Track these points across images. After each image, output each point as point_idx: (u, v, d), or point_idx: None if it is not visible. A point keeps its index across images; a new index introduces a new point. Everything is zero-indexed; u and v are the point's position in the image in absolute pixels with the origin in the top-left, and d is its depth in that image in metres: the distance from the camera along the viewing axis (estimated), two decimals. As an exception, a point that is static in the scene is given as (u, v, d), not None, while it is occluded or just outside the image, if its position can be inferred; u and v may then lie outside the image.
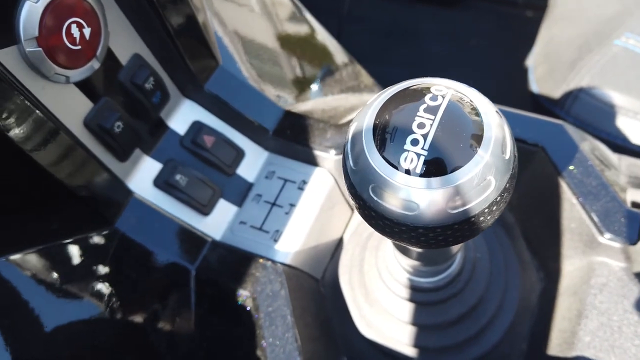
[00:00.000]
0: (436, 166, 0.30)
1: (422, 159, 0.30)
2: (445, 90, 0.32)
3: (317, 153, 0.62)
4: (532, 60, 1.12)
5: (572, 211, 0.54)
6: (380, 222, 0.34)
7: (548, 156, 0.55)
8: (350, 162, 0.34)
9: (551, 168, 0.55)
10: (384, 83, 0.92)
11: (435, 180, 0.30)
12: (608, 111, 0.92)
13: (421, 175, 0.30)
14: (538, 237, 0.60)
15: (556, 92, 0.98)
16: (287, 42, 0.76)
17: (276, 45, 0.74)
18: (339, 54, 0.83)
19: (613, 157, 0.64)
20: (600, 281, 0.52)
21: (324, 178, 0.62)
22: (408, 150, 0.31)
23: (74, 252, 0.53)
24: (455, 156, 0.30)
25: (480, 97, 0.33)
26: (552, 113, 0.97)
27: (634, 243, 0.51)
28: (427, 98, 0.32)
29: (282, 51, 0.74)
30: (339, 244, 0.64)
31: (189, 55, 0.58)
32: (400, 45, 1.74)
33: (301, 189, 0.62)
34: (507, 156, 0.32)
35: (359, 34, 1.76)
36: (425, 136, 0.30)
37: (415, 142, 0.31)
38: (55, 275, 0.53)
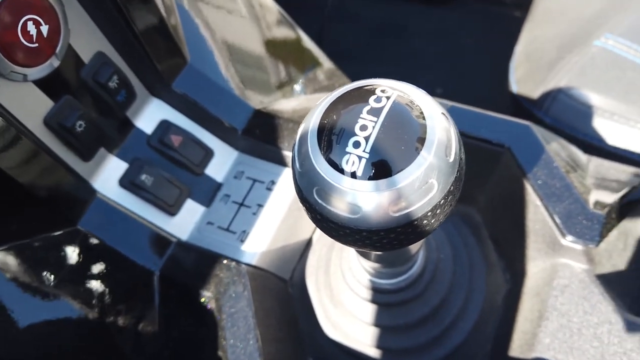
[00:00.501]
0: (378, 169, 0.30)
1: (363, 161, 0.30)
2: (390, 91, 0.32)
3: (287, 153, 0.62)
4: (514, 61, 1.12)
5: (537, 213, 0.54)
6: (325, 225, 0.33)
7: (514, 157, 0.55)
8: (297, 165, 0.33)
9: (517, 169, 0.55)
10: (365, 82, 0.92)
11: (376, 183, 0.30)
12: (586, 112, 0.92)
13: (363, 178, 0.30)
14: (505, 239, 0.60)
15: (535, 93, 0.98)
16: (260, 41, 0.76)
17: (248, 44, 0.73)
18: (315, 53, 0.82)
19: (583, 158, 0.64)
20: (562, 283, 0.52)
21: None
22: (350, 153, 0.30)
23: (36, 252, 0.53)
24: (397, 159, 0.30)
25: (426, 98, 0.33)
26: (531, 113, 0.97)
27: (596, 245, 0.51)
28: (371, 100, 0.31)
29: (254, 50, 0.74)
30: (307, 245, 0.64)
31: (154, 53, 0.57)
32: (388, 43, 1.74)
33: (270, 189, 0.62)
34: (452, 159, 0.32)
35: (347, 31, 1.76)
36: (367, 138, 0.30)
37: (357, 145, 0.30)
38: (17, 276, 0.52)
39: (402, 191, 0.30)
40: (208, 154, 0.63)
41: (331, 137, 0.32)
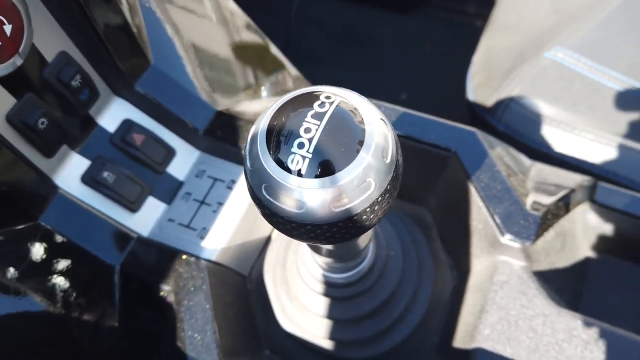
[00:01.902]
0: (320, 168, 0.33)
1: (307, 161, 0.33)
2: (333, 97, 0.35)
3: (247, 153, 0.64)
4: (471, 69, 1.17)
5: (479, 213, 0.58)
6: (274, 219, 0.36)
7: (460, 161, 0.59)
8: (248, 164, 0.36)
9: (463, 172, 0.59)
10: (338, 86, 0.94)
11: (319, 181, 0.33)
12: (535, 120, 0.97)
13: (306, 176, 0.33)
14: (452, 238, 0.63)
15: (490, 101, 1.03)
16: (226, 44, 0.78)
17: (214, 47, 0.75)
18: (279, 57, 0.85)
19: (526, 163, 0.68)
20: (502, 279, 0.56)
21: (253, 178, 0.64)
22: (295, 153, 0.33)
23: (-5, 246, 0.53)
24: (337, 159, 0.33)
25: (366, 104, 0.35)
26: (485, 120, 1.02)
27: (532, 243, 0.55)
28: (315, 104, 0.34)
29: (219, 53, 0.76)
30: (266, 242, 0.66)
31: (117, 53, 0.59)
32: (353, 49, 1.78)
33: (230, 188, 0.64)
34: (388, 160, 0.35)
35: (314, 36, 1.78)
36: (310, 140, 0.33)
37: (301, 145, 0.33)
38: (-25, 268, 0.53)
39: (342, 188, 0.33)
40: (170, 153, 0.65)
41: (279, 138, 0.34)
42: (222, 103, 0.69)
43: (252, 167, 0.35)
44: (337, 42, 1.79)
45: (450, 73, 1.65)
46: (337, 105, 0.34)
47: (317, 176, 0.33)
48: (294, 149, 0.33)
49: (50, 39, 0.54)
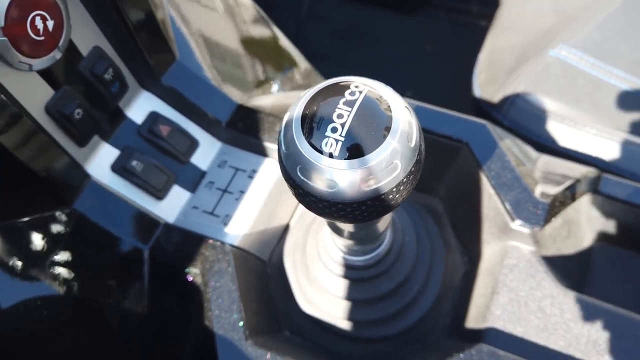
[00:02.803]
0: (352, 150, 0.36)
1: (340, 144, 0.36)
2: (362, 87, 0.38)
3: (267, 145, 0.68)
4: (477, 67, 1.20)
5: (490, 201, 0.61)
6: (307, 199, 0.39)
7: (471, 151, 0.62)
8: (283, 147, 0.39)
9: (474, 162, 0.62)
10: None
11: (350, 162, 0.36)
12: (540, 116, 1.00)
13: (339, 158, 0.36)
14: (463, 225, 0.66)
15: (495, 97, 1.06)
16: (244, 40, 0.81)
17: (233, 43, 0.78)
18: (293, 54, 0.88)
19: (533, 154, 0.71)
20: (512, 262, 0.59)
21: (273, 168, 0.68)
22: (328, 137, 0.36)
23: (33, 230, 0.57)
24: (367, 142, 0.36)
25: (392, 93, 0.39)
26: (491, 116, 1.05)
27: (541, 228, 0.59)
28: (346, 93, 0.37)
29: (238, 49, 0.79)
30: (285, 229, 0.69)
31: (147, 49, 0.62)
32: (358, 47, 1.81)
33: (251, 177, 0.67)
34: (413, 144, 0.38)
35: (319, 34, 1.81)
36: (343, 125, 0.36)
37: (334, 130, 0.36)
38: (14, 251, 0.56)
39: (371, 169, 0.36)
40: (194, 144, 0.68)
41: (312, 123, 0.37)
42: (242, 96, 0.72)
43: (287, 151, 0.38)
44: (341, 40, 1.82)
45: (453, 71, 1.68)
46: (366, 94, 0.37)
47: (348, 158, 0.36)
48: (328, 132, 0.36)
49: (85, 35, 0.58)
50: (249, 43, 0.81)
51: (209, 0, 0.80)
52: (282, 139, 0.39)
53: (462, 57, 1.64)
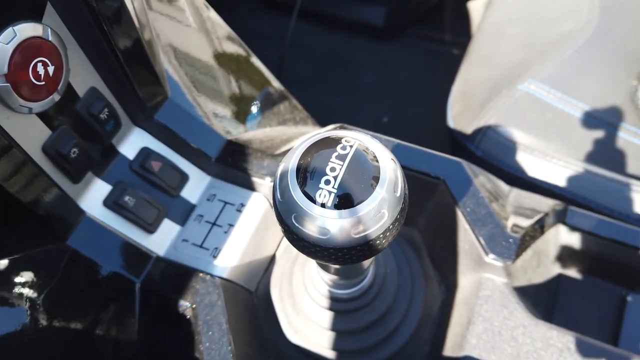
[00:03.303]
0: (343, 201, 0.39)
1: (332, 195, 0.39)
2: (352, 141, 0.41)
3: (255, 179, 0.71)
4: (451, 99, 1.26)
5: (466, 235, 0.65)
6: (300, 244, 0.42)
7: (448, 188, 0.66)
8: (278, 195, 0.42)
9: (450, 198, 0.66)
10: (319, 109, 1.01)
11: (342, 212, 0.39)
12: (510, 147, 1.06)
13: (331, 208, 0.39)
14: (440, 256, 0.70)
15: (468, 128, 1.11)
16: (232, 77, 0.84)
17: (221, 80, 0.82)
18: (278, 89, 0.92)
19: (505, 188, 0.76)
20: (486, 293, 0.63)
21: (260, 202, 0.70)
22: (322, 188, 0.39)
23: (28, 265, 0.58)
24: (358, 193, 0.39)
25: (379, 147, 0.42)
26: (464, 146, 1.10)
27: (512, 262, 0.63)
28: (338, 147, 0.41)
29: (226, 86, 0.82)
30: (271, 261, 0.72)
31: (140, 88, 0.65)
32: (338, 73, 1.86)
33: (239, 210, 0.70)
34: (398, 194, 0.41)
35: (301, 60, 1.86)
36: (335, 178, 0.39)
37: (328, 182, 0.39)
38: (8, 285, 0.57)
39: (361, 218, 0.39)
40: (184, 178, 0.71)
41: (306, 174, 0.41)
42: (231, 132, 0.75)
43: (282, 199, 0.41)
44: (321, 66, 1.87)
45: (428, 97, 1.74)
46: (356, 148, 0.41)
47: (341, 207, 0.39)
48: (322, 184, 0.39)
49: (82, 76, 0.60)
50: (236, 80, 0.85)
51: (197, 39, 0.83)
52: (277, 185, 0.42)
53: (436, 84, 1.71)
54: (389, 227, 0.41)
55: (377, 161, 0.41)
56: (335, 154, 0.40)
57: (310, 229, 0.40)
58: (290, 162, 0.41)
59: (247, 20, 1.99)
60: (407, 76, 1.86)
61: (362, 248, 0.41)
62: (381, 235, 0.41)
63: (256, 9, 2.00)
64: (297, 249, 0.44)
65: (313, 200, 0.40)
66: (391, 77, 1.86)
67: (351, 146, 0.41)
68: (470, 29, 1.92)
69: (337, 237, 0.40)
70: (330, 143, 0.41)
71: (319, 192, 0.39)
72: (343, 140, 0.41)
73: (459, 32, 1.91)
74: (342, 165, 0.40)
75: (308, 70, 1.86)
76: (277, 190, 0.42)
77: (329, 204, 0.39)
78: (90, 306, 0.62)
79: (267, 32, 1.91)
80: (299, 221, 0.40)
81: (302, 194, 0.40)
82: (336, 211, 0.39)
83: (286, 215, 0.41)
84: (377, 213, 0.40)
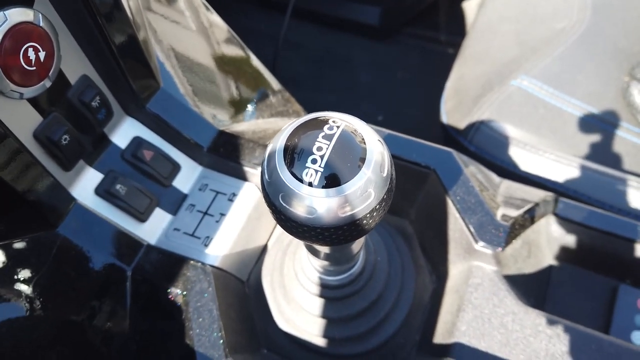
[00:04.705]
0: (330, 180, 0.40)
1: (319, 174, 0.40)
2: (339, 122, 0.42)
3: (247, 169, 0.71)
4: (444, 95, 1.26)
5: (456, 223, 0.65)
6: (288, 224, 0.42)
7: (439, 178, 0.67)
8: (266, 176, 0.42)
9: (441, 187, 0.66)
10: (314, 107, 1.02)
11: (329, 191, 0.39)
12: (503, 142, 1.06)
13: (318, 187, 0.39)
14: (431, 246, 0.71)
15: (462, 124, 1.12)
16: (224, 68, 0.84)
17: (214, 71, 0.82)
18: (272, 81, 0.92)
19: (496, 180, 0.76)
20: (476, 281, 0.63)
21: (252, 191, 0.71)
22: (309, 167, 0.40)
23: (18, 252, 0.58)
24: (344, 173, 0.40)
25: (366, 128, 0.42)
26: (457, 141, 1.11)
27: (502, 249, 0.63)
28: (325, 127, 0.41)
29: (219, 76, 0.82)
30: (263, 250, 0.72)
31: (132, 77, 0.65)
32: (332, 73, 1.86)
33: (231, 200, 0.70)
34: (385, 174, 0.41)
35: (296, 59, 1.87)
36: (322, 157, 0.40)
37: (314, 161, 0.40)
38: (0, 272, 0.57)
39: (347, 197, 0.40)
40: (176, 168, 0.71)
41: (293, 155, 0.41)
42: (223, 122, 0.76)
43: (270, 179, 0.42)
44: (315, 65, 1.88)
45: (422, 96, 1.75)
46: (343, 129, 0.41)
47: (327, 187, 0.40)
48: (308, 164, 0.40)
49: (74, 64, 0.60)
50: (229, 71, 0.85)
51: (190, 30, 0.83)
52: (265, 167, 0.43)
53: (430, 83, 1.71)
54: (375, 206, 0.41)
55: (364, 143, 0.41)
56: (322, 134, 0.41)
57: (298, 209, 0.40)
58: (278, 143, 0.42)
59: (241, 19, 1.99)
60: (403, 76, 1.87)
61: (349, 227, 0.41)
62: (368, 215, 0.41)
63: (250, 7, 2.01)
64: (284, 229, 0.44)
65: (300, 180, 0.40)
66: (386, 76, 1.86)
67: (338, 127, 0.41)
68: (464, 28, 1.93)
69: (324, 217, 0.40)
70: (317, 124, 0.42)
71: (305, 170, 0.40)
72: (330, 121, 0.42)
73: (454, 31, 1.92)
74: (329, 145, 0.40)
75: (303, 70, 1.86)
76: (265, 171, 0.42)
77: (316, 182, 0.39)
78: (80, 294, 0.62)
79: (261, 30, 1.92)
80: (287, 201, 0.41)
81: (289, 173, 0.40)
82: (323, 190, 0.39)
83: (274, 196, 0.42)
84: (364, 192, 0.40)
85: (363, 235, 0.44)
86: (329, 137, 0.40)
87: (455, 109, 1.18)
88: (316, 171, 0.39)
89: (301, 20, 1.89)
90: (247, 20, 1.99)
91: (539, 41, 1.21)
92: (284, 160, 0.41)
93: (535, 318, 0.61)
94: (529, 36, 1.24)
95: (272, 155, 0.42)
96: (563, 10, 1.26)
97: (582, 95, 1.10)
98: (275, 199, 0.42)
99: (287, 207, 0.41)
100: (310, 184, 0.40)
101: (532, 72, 1.14)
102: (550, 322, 0.61)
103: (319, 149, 0.40)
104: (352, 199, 0.40)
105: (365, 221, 0.41)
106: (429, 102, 1.62)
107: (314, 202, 0.40)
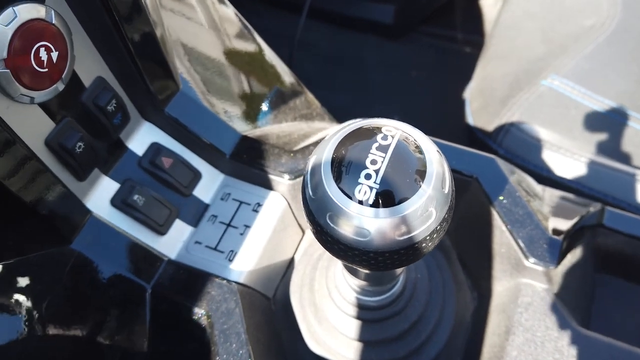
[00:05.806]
0: (386, 198, 0.34)
1: (374, 191, 0.34)
2: (394, 130, 0.37)
3: (272, 177, 0.66)
4: (469, 95, 1.21)
5: (502, 237, 0.60)
6: (335, 247, 0.37)
7: (481, 186, 0.61)
8: (310, 191, 0.37)
9: (484, 197, 0.61)
10: (330, 108, 0.97)
11: (385, 211, 0.34)
12: (535, 145, 1.01)
13: (373, 206, 0.34)
14: (472, 260, 0.65)
15: (490, 126, 1.06)
16: (245, 70, 0.79)
17: (235, 74, 0.77)
18: (294, 84, 0.87)
19: (538, 188, 0.71)
20: (526, 300, 0.58)
21: (278, 201, 0.66)
22: (362, 183, 0.35)
23: (32, 268, 0.53)
24: (402, 190, 0.35)
25: (423, 137, 0.37)
26: (485, 144, 1.06)
27: (555, 266, 0.58)
28: (378, 137, 0.36)
29: (240, 79, 0.77)
30: (290, 264, 0.67)
31: (150, 79, 0.60)
32: (346, 73, 1.81)
33: (256, 211, 0.65)
34: (446, 190, 0.36)
35: (308, 59, 1.82)
36: (377, 171, 0.35)
37: (368, 177, 0.35)
38: (12, 290, 0.53)
39: (406, 218, 0.35)
40: (196, 176, 0.66)
41: (343, 168, 0.36)
42: (245, 127, 0.71)
43: (315, 195, 0.37)
44: (330, 65, 1.83)
45: (438, 96, 1.70)
46: (399, 139, 0.36)
47: (383, 206, 0.34)
48: (361, 179, 0.35)
49: (88, 65, 0.55)
50: (251, 73, 0.80)
51: (206, 27, 0.78)
52: (307, 182, 0.38)
53: (446, 83, 1.66)
54: (436, 228, 0.36)
55: (421, 154, 0.36)
56: (376, 144, 0.36)
57: (348, 230, 0.36)
58: (324, 155, 0.37)
59: (252, 19, 1.94)
60: (417, 75, 1.81)
61: (406, 252, 0.36)
62: (427, 238, 0.36)
63: (262, 7, 1.96)
64: (330, 252, 0.39)
65: (350, 197, 0.35)
66: (400, 76, 1.81)
67: (393, 136, 0.36)
68: (481, 27, 1.87)
69: (378, 240, 0.35)
70: (368, 133, 0.37)
71: (358, 187, 0.35)
72: (384, 130, 0.37)
73: (470, 30, 1.86)
74: (385, 158, 0.35)
75: (316, 70, 1.81)
76: (309, 186, 0.37)
77: (370, 201, 0.34)
78: (96, 313, 0.57)
79: (273, 30, 1.87)
80: (335, 221, 0.36)
81: (338, 189, 0.35)
82: (378, 209, 0.34)
83: (319, 214, 0.37)
84: (424, 212, 0.35)
85: (419, 259, 0.39)
86: (384, 149, 0.35)
87: (481, 110, 1.12)
88: (371, 188, 0.34)
89: (314, 20, 1.84)
90: (258, 20, 1.94)
91: (567, 39, 1.16)
92: (332, 174, 0.36)
93: (592, 341, 0.56)
94: (556, 33, 1.19)
95: (316, 168, 0.37)
96: (591, 6, 1.20)
97: (615, 95, 1.05)
98: (320, 218, 0.37)
99: (335, 227, 0.36)
100: (361, 202, 0.35)
101: (562, 71, 1.09)
102: (609, 347, 0.56)
103: (373, 162, 0.35)
104: (411, 220, 0.35)
105: (424, 244, 0.36)
106: (447, 103, 1.56)
107: (367, 223, 0.35)
